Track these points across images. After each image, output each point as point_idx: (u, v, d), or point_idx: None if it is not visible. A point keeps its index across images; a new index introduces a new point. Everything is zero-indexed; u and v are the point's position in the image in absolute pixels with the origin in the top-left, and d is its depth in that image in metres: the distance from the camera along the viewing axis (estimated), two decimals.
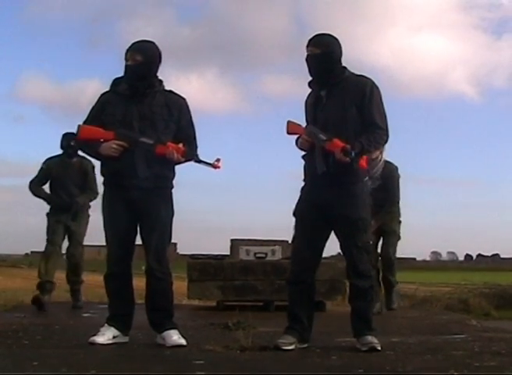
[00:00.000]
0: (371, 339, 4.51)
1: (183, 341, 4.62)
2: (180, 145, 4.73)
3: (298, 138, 4.76)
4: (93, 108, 4.91)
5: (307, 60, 4.69)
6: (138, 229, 4.83)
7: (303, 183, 4.80)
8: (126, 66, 4.77)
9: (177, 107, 4.84)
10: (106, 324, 4.77)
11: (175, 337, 4.65)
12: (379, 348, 4.45)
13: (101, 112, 4.81)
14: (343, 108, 4.61)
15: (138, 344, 4.67)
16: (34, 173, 7.59)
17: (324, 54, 4.63)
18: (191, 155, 4.78)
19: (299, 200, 4.80)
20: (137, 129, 4.71)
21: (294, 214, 4.82)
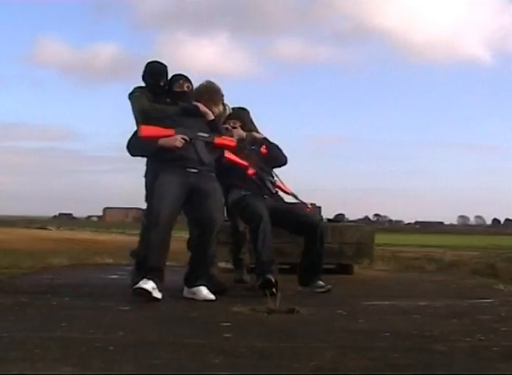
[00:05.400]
0: (323, 283, 5.51)
1: (212, 296, 5.01)
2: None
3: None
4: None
5: None
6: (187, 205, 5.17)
7: None
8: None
9: None
10: (145, 278, 4.86)
11: (205, 292, 5.03)
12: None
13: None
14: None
15: (166, 306, 4.70)
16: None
17: None
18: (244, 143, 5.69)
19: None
20: (189, 126, 5.23)
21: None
